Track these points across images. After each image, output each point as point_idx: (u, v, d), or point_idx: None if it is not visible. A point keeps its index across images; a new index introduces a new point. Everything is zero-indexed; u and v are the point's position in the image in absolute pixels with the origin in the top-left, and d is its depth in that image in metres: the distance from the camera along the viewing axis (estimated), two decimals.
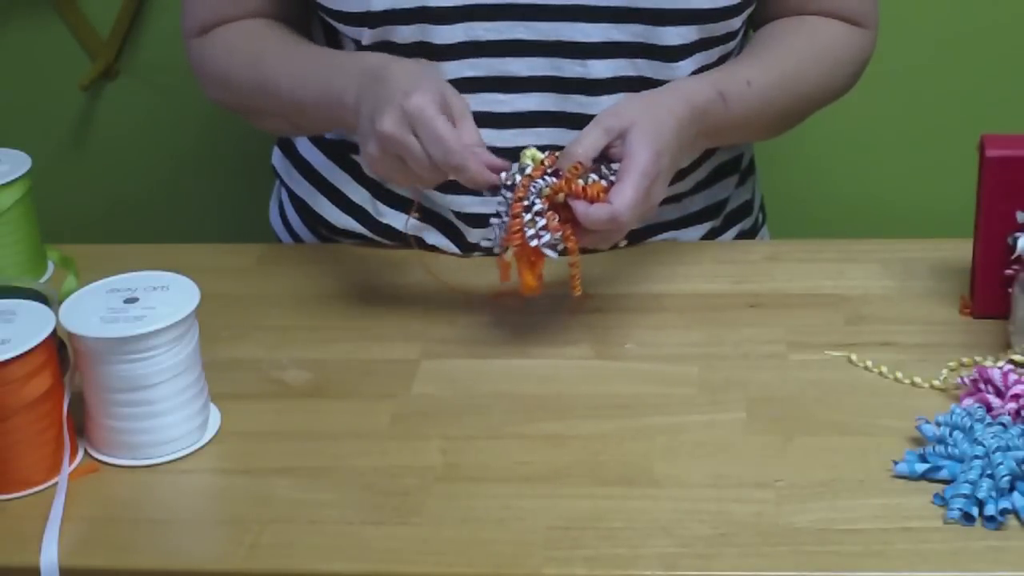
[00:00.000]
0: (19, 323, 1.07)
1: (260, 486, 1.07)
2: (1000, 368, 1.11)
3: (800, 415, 1.12)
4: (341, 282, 1.34)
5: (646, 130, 1.16)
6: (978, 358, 1.17)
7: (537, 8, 1.28)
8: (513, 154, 1.17)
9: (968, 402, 1.10)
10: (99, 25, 1.94)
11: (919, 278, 1.29)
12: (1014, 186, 1.18)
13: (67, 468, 1.08)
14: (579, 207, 1.13)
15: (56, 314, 1.09)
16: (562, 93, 1.31)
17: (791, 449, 1.08)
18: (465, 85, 1.25)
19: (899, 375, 1.16)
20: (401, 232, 1.38)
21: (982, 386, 1.11)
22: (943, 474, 1.04)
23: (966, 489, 1.01)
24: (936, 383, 1.15)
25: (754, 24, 1.39)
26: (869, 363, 1.18)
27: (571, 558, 0.99)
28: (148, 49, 1.95)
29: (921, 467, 1.04)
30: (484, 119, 1.17)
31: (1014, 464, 1.01)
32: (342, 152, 1.42)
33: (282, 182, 1.50)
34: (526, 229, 1.14)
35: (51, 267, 1.38)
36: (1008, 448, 1.03)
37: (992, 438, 1.04)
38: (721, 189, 1.44)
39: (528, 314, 1.25)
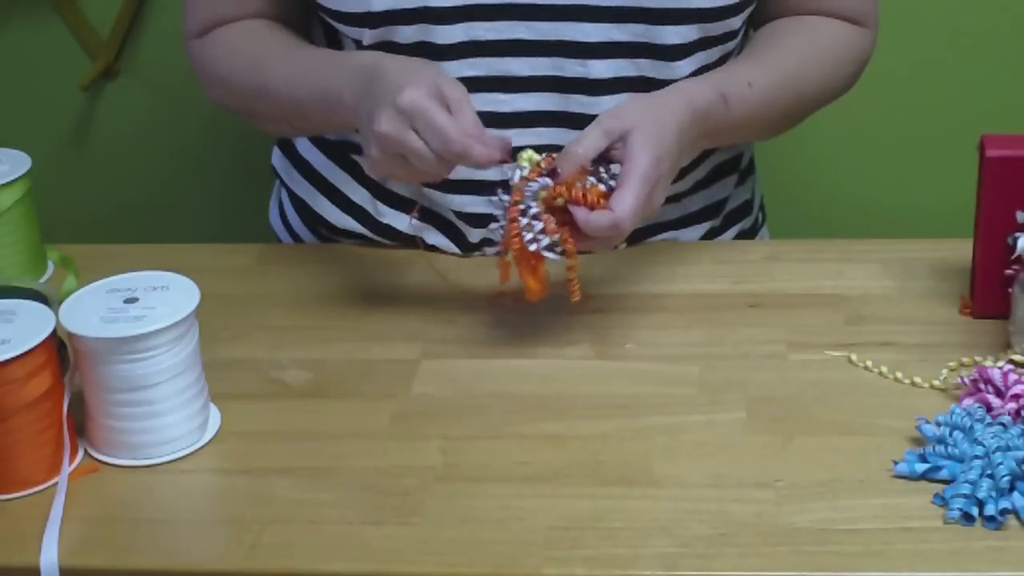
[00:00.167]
0: (19, 323, 1.07)
1: (260, 486, 1.07)
2: (1000, 368, 1.11)
3: (800, 415, 1.12)
4: (341, 282, 1.34)
5: (647, 133, 1.16)
6: (978, 358, 1.17)
7: (538, 8, 1.28)
8: (513, 155, 1.16)
9: (968, 402, 1.10)
10: (99, 25, 1.93)
11: (919, 278, 1.29)
12: (1014, 186, 1.18)
13: (67, 468, 1.08)
14: (580, 214, 1.13)
15: (56, 314, 1.09)
16: (563, 93, 1.31)
17: (791, 449, 1.08)
18: (466, 85, 1.25)
19: (899, 375, 1.16)
20: (401, 232, 1.38)
21: (982, 386, 1.11)
22: (943, 474, 1.04)
23: (966, 489, 1.01)
24: (936, 383, 1.15)
25: (754, 24, 1.39)
26: (869, 363, 1.17)
27: (571, 558, 0.99)
28: (148, 49, 1.95)
29: (921, 467, 1.04)
30: (485, 119, 1.17)
31: (1014, 464, 1.01)
32: (342, 152, 1.42)
33: (282, 182, 1.50)
34: (524, 234, 1.14)
35: (51, 267, 1.38)
36: (1008, 448, 1.03)
37: (992, 438, 1.04)
38: (720, 189, 1.44)
39: (528, 314, 1.25)
